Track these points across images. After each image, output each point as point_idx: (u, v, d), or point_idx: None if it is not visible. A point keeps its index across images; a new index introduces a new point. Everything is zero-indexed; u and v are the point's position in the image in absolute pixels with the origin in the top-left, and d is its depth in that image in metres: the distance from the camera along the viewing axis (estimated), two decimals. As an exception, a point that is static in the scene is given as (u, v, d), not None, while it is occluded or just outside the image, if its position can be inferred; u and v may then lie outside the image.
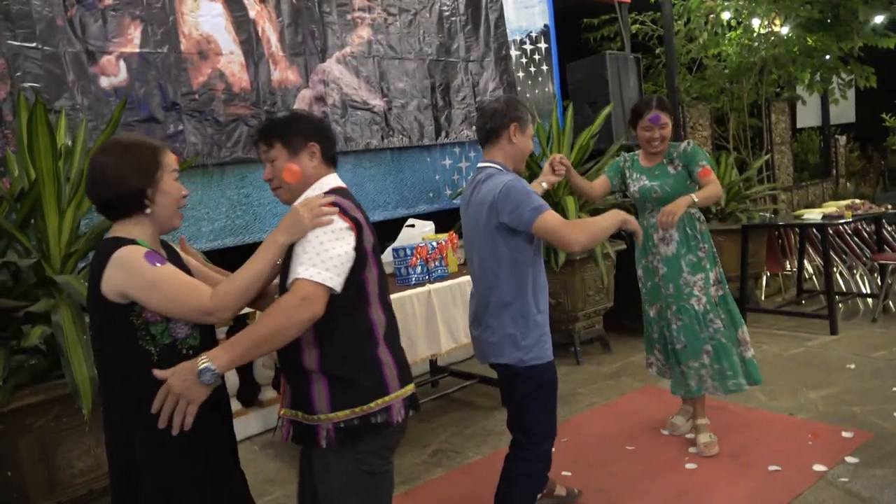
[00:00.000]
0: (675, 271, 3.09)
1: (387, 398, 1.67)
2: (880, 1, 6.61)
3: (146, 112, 3.67)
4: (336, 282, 1.55)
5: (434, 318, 3.47)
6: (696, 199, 2.92)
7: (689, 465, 3.04)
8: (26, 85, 3.25)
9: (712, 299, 3.09)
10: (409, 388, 1.76)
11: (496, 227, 2.16)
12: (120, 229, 1.61)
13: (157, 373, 1.49)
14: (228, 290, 1.54)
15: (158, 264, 1.53)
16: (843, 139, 9.69)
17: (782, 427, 3.35)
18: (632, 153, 3.28)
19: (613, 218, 2.21)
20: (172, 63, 3.77)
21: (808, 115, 9.09)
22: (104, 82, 3.54)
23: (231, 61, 4.01)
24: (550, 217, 2.09)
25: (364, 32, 4.66)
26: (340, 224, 1.60)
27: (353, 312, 1.66)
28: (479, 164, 2.33)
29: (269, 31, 4.19)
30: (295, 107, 4.27)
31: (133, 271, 1.51)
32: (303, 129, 1.73)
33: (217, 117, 3.93)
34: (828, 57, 7.06)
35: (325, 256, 1.55)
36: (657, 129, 3.01)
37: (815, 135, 9.72)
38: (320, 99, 4.40)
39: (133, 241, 1.57)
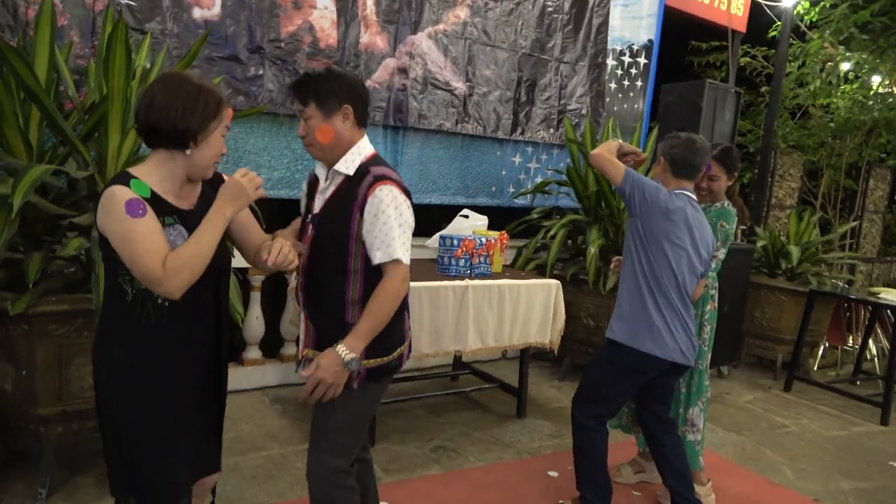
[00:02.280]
0: None
1: (402, 346, 1.94)
2: None
3: (231, 50, 3.69)
4: (409, 256, 1.81)
5: (466, 314, 3.38)
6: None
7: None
8: (123, 1, 3.30)
9: None
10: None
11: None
12: (145, 162, 1.61)
13: (303, 373, 1.77)
14: (179, 265, 1.50)
15: (134, 217, 1.48)
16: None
17: (804, 512, 3.13)
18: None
19: None
20: (266, 7, 3.77)
21: (910, 188, 8.49)
22: (197, 13, 3.57)
23: (323, 16, 3.98)
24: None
25: (461, 12, 4.56)
26: (406, 201, 1.80)
27: None
28: (685, 193, 2.59)
29: (366, -7, 4.14)
30: (376, 75, 4.22)
31: (110, 216, 1.50)
32: (338, 90, 1.76)
33: (298, 69, 3.91)
34: (947, 131, 6.56)
35: (406, 237, 1.79)
36: (704, 177, 2.88)
37: (913, 209, 9.09)
38: (403, 71, 4.33)
39: (132, 178, 1.54)
